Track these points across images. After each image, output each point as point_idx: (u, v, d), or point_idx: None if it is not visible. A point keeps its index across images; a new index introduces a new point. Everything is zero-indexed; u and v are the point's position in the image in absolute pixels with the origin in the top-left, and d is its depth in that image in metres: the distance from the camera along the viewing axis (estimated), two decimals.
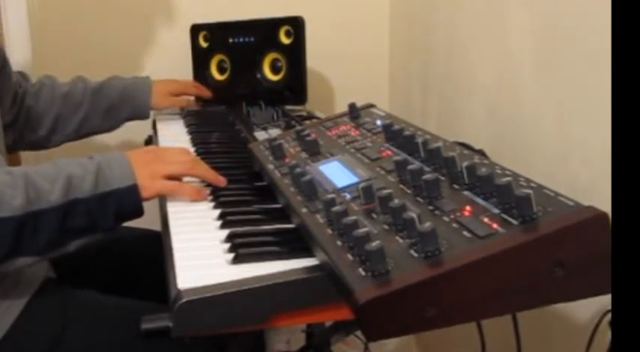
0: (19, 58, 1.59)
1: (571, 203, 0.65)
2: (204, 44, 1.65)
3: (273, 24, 1.54)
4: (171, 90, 1.53)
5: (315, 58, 1.58)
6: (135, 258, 1.23)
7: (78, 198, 0.85)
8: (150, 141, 1.52)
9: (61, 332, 0.94)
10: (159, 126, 1.51)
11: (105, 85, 1.43)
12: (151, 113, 1.52)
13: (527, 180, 0.72)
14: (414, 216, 0.67)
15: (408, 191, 0.78)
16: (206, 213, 0.92)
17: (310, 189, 0.84)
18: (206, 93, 1.63)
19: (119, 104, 1.44)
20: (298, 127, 1.13)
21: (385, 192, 0.74)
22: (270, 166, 0.99)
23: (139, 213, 0.91)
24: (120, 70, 1.73)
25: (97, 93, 1.41)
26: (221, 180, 1.00)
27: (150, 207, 0.96)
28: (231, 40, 1.61)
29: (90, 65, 1.74)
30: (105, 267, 1.21)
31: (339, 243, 0.70)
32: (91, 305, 1.00)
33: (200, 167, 1.00)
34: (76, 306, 0.98)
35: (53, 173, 0.86)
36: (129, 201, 0.89)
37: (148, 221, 1.01)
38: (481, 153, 0.89)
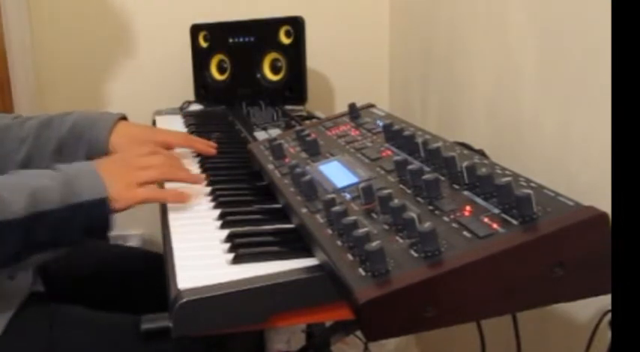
0: (19, 58, 1.60)
1: (571, 203, 0.65)
2: (204, 44, 1.65)
3: (273, 24, 1.54)
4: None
5: (315, 58, 1.58)
6: (130, 280, 1.16)
7: (44, 210, 0.80)
8: None
9: (48, 348, 0.90)
10: (159, 126, 1.51)
11: (54, 118, 1.13)
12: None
13: (527, 180, 0.72)
14: (414, 216, 0.67)
15: (408, 191, 0.78)
16: (206, 213, 0.92)
17: (310, 189, 0.84)
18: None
19: (71, 140, 1.11)
20: (298, 127, 1.13)
21: (385, 192, 0.74)
22: (270, 166, 0.99)
23: (107, 228, 0.85)
24: (120, 69, 1.74)
25: (43, 128, 1.11)
26: (201, 178, 0.99)
27: (150, 208, 0.96)
28: (231, 40, 1.61)
29: (89, 65, 1.74)
30: (98, 288, 1.14)
31: (339, 243, 0.70)
32: (80, 320, 0.96)
33: (174, 169, 0.97)
34: (64, 321, 0.94)
35: (16, 184, 0.81)
36: (98, 214, 0.83)
37: (148, 222, 1.00)
38: (481, 153, 0.89)
